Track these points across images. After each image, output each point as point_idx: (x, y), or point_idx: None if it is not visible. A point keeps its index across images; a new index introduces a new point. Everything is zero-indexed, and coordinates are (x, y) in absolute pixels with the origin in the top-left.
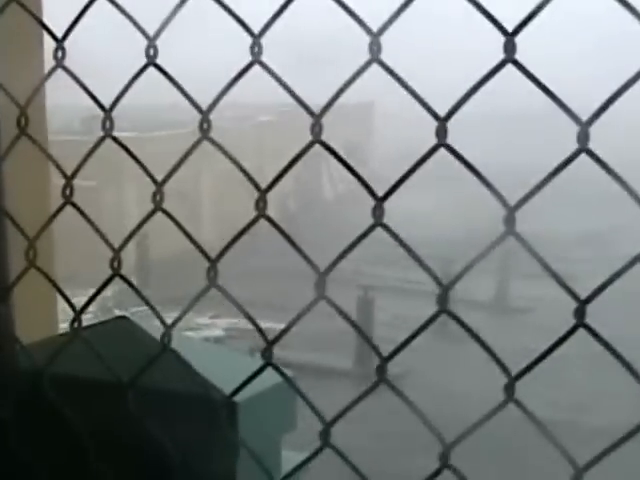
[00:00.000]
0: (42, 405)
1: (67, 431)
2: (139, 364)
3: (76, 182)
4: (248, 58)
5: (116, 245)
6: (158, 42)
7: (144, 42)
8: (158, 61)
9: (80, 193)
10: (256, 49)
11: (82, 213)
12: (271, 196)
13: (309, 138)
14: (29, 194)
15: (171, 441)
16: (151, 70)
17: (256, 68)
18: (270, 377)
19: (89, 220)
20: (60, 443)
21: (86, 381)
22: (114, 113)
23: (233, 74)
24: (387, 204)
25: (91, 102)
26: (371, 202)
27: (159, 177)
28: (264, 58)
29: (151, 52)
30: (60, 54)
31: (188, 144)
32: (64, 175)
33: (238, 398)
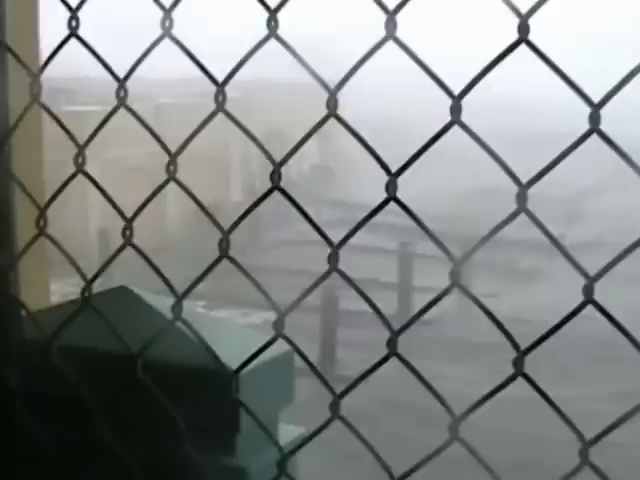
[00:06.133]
0: (47, 372)
1: (69, 398)
2: (139, 334)
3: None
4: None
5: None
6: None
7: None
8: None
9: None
10: (272, 24)
11: (94, 182)
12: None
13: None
14: (24, 165)
15: (172, 412)
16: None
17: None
18: (269, 350)
19: (101, 189)
20: (62, 411)
21: (88, 350)
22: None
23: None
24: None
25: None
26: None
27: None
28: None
29: (166, 24)
30: (74, 23)
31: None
32: (77, 144)
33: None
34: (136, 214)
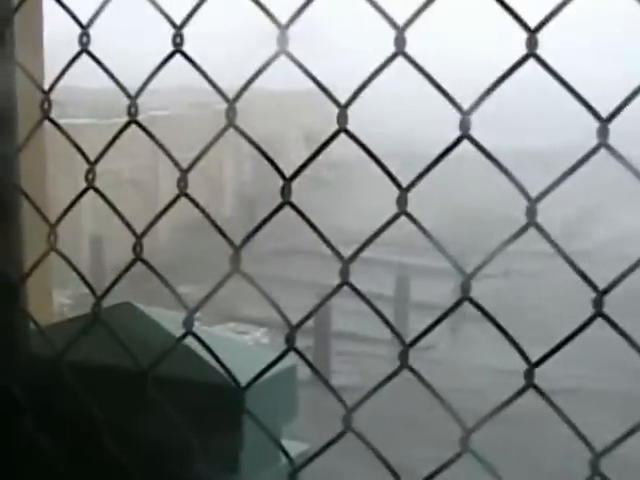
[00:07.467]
0: (51, 386)
1: (74, 413)
2: (143, 349)
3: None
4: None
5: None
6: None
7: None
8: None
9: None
10: (282, 40)
11: (105, 198)
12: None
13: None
14: (26, 179)
15: (176, 427)
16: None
17: None
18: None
19: (112, 206)
20: (66, 425)
21: (94, 366)
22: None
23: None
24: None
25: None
26: None
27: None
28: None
29: (177, 40)
30: (85, 40)
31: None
32: (87, 161)
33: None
34: (147, 230)
